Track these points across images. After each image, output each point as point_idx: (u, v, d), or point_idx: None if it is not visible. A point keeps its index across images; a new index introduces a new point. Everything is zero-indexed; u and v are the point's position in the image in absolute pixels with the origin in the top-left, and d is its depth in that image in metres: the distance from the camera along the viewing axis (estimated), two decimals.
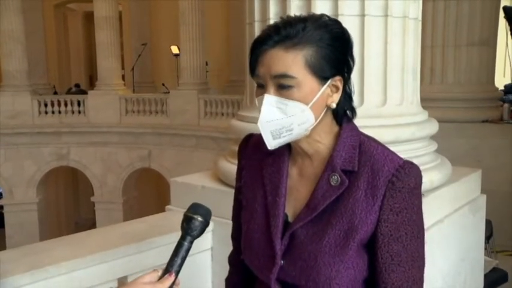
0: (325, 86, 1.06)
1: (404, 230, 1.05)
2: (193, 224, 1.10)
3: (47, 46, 15.10)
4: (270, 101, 1.04)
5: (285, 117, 1.04)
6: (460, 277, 2.47)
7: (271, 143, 1.07)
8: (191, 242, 1.10)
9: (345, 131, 1.10)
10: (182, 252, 1.09)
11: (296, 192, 1.14)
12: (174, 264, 1.08)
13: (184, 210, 1.14)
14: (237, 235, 1.27)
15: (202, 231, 1.11)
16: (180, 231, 1.12)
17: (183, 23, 11.47)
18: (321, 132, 1.10)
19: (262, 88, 1.07)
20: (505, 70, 7.84)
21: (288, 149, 1.16)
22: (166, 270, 1.08)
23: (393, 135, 2.10)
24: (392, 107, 2.17)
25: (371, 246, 1.07)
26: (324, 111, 1.08)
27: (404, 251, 1.06)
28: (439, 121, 2.47)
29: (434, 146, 2.36)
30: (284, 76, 1.03)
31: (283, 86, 1.03)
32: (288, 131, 1.05)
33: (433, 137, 2.42)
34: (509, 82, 9.23)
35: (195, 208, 1.12)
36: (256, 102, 1.09)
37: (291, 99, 1.03)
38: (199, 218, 1.10)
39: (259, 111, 1.05)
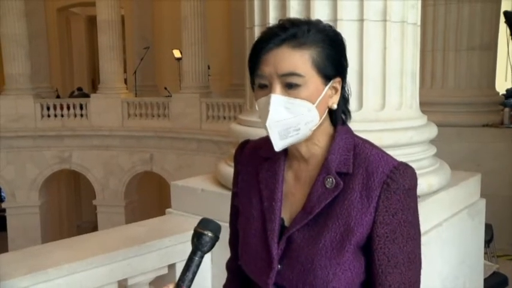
0: (328, 85, 1.07)
1: (400, 232, 1.05)
2: (203, 239, 1.12)
3: (50, 50, 15.12)
4: (278, 101, 1.03)
5: (292, 117, 1.04)
6: (459, 281, 2.47)
7: (279, 144, 1.06)
8: (201, 257, 1.12)
9: (339, 133, 1.11)
10: (193, 268, 1.11)
11: (292, 196, 1.14)
12: (185, 280, 1.10)
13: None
14: (234, 241, 1.27)
15: (212, 246, 1.13)
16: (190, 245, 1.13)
17: (185, 28, 11.51)
18: (320, 134, 1.10)
19: (264, 88, 1.06)
20: (506, 74, 7.85)
21: (284, 153, 1.15)
22: (178, 286, 1.09)
23: (392, 140, 2.10)
24: (391, 111, 2.18)
25: (367, 248, 1.07)
26: (326, 112, 1.09)
27: (401, 253, 1.05)
28: (440, 125, 2.47)
29: (433, 150, 2.36)
30: (292, 74, 1.02)
31: (291, 85, 1.03)
32: (295, 131, 1.05)
33: (434, 141, 2.42)
34: (511, 86, 9.24)
35: (205, 224, 1.14)
36: (257, 104, 1.08)
37: (298, 98, 1.03)
38: (210, 234, 1.12)
39: (266, 112, 1.04)
